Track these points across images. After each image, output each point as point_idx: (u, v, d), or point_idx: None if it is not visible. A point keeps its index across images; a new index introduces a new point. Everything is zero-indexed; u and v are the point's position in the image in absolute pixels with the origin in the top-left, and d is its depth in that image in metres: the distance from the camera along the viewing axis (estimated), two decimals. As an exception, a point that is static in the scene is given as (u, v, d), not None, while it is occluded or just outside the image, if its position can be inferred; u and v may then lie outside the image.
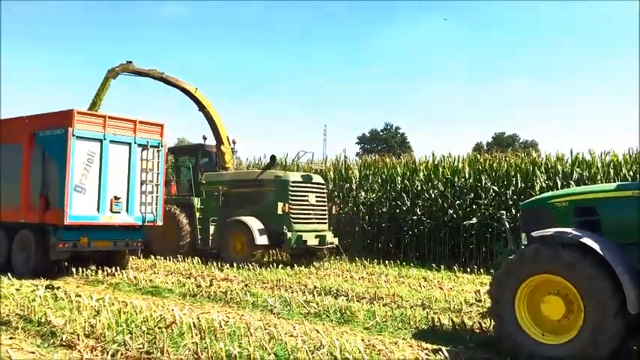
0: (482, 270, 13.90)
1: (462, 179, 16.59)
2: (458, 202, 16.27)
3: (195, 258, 14.35)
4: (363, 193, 18.20)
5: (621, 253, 5.54)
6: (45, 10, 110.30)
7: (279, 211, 14.16)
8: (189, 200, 15.80)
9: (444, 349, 5.80)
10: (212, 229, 15.27)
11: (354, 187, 18.51)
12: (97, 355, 5.68)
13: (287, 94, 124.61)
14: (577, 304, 5.50)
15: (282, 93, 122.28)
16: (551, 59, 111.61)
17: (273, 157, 16.32)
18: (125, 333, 6.10)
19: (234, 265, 13.43)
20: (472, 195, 16.16)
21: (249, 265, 13.23)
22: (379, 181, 18.28)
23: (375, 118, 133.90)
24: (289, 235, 14.04)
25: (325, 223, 15.35)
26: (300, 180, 15.04)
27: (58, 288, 9.44)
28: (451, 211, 16.20)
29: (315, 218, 14.98)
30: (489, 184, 16.09)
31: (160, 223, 13.04)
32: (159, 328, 6.26)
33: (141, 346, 5.78)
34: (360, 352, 5.33)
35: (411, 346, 6.39)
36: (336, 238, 15.45)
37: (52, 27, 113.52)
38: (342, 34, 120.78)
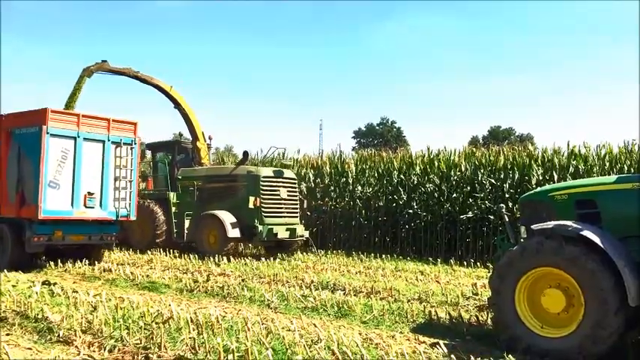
0: (478, 263, 13.93)
1: (459, 173, 16.60)
2: (454, 195, 16.29)
3: (192, 254, 14.37)
4: (359, 188, 18.19)
5: (621, 246, 5.54)
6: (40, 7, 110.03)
7: (251, 205, 14.57)
8: (165, 195, 16.28)
9: (441, 342, 5.80)
10: (187, 222, 15.73)
11: (350, 182, 18.50)
12: (94, 351, 5.66)
13: (283, 89, 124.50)
14: (577, 298, 5.50)
15: (278, 87, 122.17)
16: (546, 53, 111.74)
17: (245, 153, 16.68)
18: (122, 328, 6.09)
19: (231, 259, 13.52)
20: (468, 188, 16.18)
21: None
22: (375, 175, 18.27)
23: (372, 113, 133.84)
24: (260, 228, 14.46)
25: (296, 216, 15.73)
26: (272, 175, 15.36)
27: (55, 284, 9.40)
28: (447, 205, 16.21)
29: (287, 212, 15.37)
30: (486, 177, 16.10)
31: (133, 218, 13.33)
32: (156, 323, 6.24)
33: (138, 341, 5.76)
34: (357, 345, 5.33)
35: (409, 340, 6.39)
36: (307, 231, 15.93)
37: (48, 24, 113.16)
38: (339, 28, 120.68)
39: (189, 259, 13.70)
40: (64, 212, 11.94)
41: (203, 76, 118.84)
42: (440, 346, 5.60)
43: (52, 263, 12.15)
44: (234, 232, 14.55)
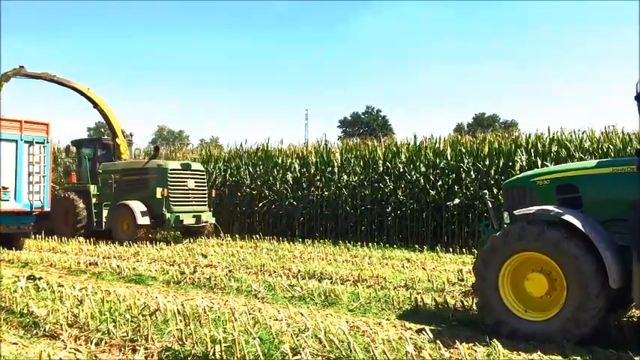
0: (464, 250, 14.03)
1: (444, 160, 16.67)
2: (440, 183, 16.37)
3: (179, 245, 14.43)
4: (345, 176, 18.21)
5: (602, 229, 5.61)
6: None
7: (159, 195, 16.14)
8: (86, 187, 17.66)
9: (427, 328, 5.85)
10: (105, 212, 17.23)
11: (335, 171, 18.51)
12: (80, 345, 5.65)
13: (268, 79, 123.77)
14: (560, 281, 5.56)
15: (263, 78, 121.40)
16: (530, 39, 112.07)
17: (156, 148, 18.87)
18: (109, 321, 6.06)
19: (218, 252, 13.49)
20: (454, 176, 16.26)
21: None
22: (361, 164, 18.29)
23: (357, 102, 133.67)
24: (168, 215, 16.10)
25: (204, 205, 17.29)
26: (179, 168, 16.96)
27: (40, 279, 9.33)
28: (433, 192, 16.30)
29: (195, 201, 17.00)
30: (471, 164, 16.19)
31: (47, 208, 14.96)
32: (143, 315, 6.23)
33: (125, 334, 5.76)
34: (344, 333, 5.37)
35: (395, 327, 6.45)
36: (214, 218, 17.49)
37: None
38: (324, 18, 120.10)
39: (176, 251, 13.68)
40: None
41: (190, 69, 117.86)
42: (426, 332, 5.66)
43: (37, 258, 12.07)
44: (143, 220, 16.07)
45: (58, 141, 23.92)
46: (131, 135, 19.44)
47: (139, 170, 17.10)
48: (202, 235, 17.32)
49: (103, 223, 17.09)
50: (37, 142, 14.55)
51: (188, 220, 16.47)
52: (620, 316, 6.67)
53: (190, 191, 16.87)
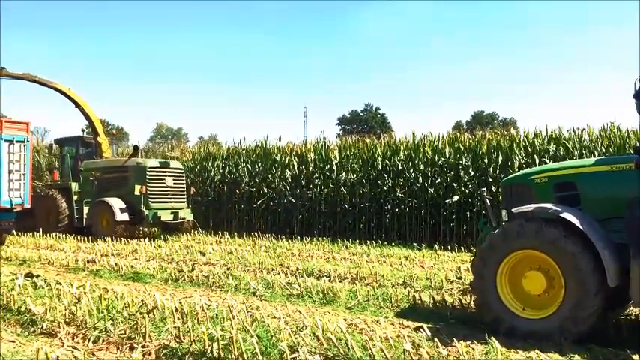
0: (462, 248, 14.03)
1: (443, 158, 16.66)
2: (438, 181, 16.37)
3: (179, 243, 14.41)
4: (343, 174, 18.20)
5: (600, 227, 5.61)
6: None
7: (137, 193, 16.49)
8: (68, 185, 17.98)
9: (425, 325, 5.85)
10: (86, 209, 17.56)
11: (334, 169, 18.50)
12: (78, 342, 5.65)
13: (266, 76, 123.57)
14: (558, 279, 5.56)
15: (262, 74, 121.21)
16: (530, 37, 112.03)
17: (136, 147, 19.50)
18: (106, 319, 6.06)
19: (216, 249, 13.51)
20: (452, 173, 16.26)
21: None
22: (360, 161, 18.26)
23: (356, 99, 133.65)
24: (147, 212, 16.45)
25: (183, 202, 17.69)
26: (158, 166, 17.36)
27: (38, 276, 9.32)
28: (432, 190, 16.30)
29: (173, 198, 17.38)
30: (470, 162, 16.18)
31: (27, 205, 15.49)
32: (140, 313, 6.23)
33: (122, 331, 5.75)
34: (342, 331, 5.37)
35: (393, 324, 6.45)
36: (192, 215, 17.86)
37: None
38: (323, 15, 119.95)
39: (174, 248, 13.67)
40: None
41: (188, 67, 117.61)
42: (424, 330, 5.65)
43: (35, 256, 12.09)
44: (122, 216, 16.46)
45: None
46: (113, 134, 20.85)
47: (119, 168, 17.47)
48: (180, 231, 17.68)
49: (84, 220, 17.45)
50: (17, 141, 15.03)
51: (166, 216, 16.82)
52: (618, 314, 6.68)
53: (169, 189, 17.27)
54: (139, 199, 16.48)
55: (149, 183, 16.72)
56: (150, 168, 16.98)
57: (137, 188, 16.51)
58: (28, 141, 15.39)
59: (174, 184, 17.45)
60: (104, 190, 17.31)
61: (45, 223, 17.42)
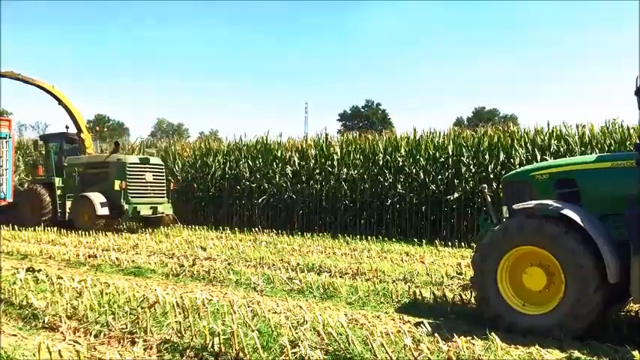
0: (463, 244, 14.05)
1: (444, 154, 16.66)
2: (439, 177, 16.37)
3: (180, 238, 14.41)
4: (344, 170, 18.20)
5: (601, 224, 5.61)
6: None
7: (117, 188, 16.98)
8: (51, 180, 18.35)
9: (425, 321, 5.86)
10: (69, 203, 18.00)
11: (335, 164, 18.50)
12: (79, 337, 5.65)
13: (267, 71, 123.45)
14: (558, 276, 5.56)
15: (263, 70, 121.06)
16: (530, 34, 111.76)
17: (117, 143, 20.04)
18: (108, 314, 6.07)
19: (217, 244, 13.54)
20: (454, 170, 16.26)
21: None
22: (361, 157, 18.27)
23: (357, 95, 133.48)
24: (126, 207, 16.98)
25: (162, 197, 18.14)
26: (138, 162, 17.85)
27: (39, 271, 9.35)
28: (433, 186, 16.30)
29: (153, 193, 17.83)
30: (471, 158, 16.17)
31: (10, 199, 16.65)
32: (142, 308, 6.23)
33: (124, 326, 5.76)
34: (342, 326, 5.37)
35: (393, 320, 6.46)
36: (172, 209, 18.22)
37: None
38: (325, 11, 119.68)
39: (175, 243, 13.69)
40: None
41: (189, 62, 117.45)
42: (424, 325, 5.67)
43: (37, 251, 12.14)
44: (102, 211, 16.93)
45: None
46: (97, 130, 21.50)
47: (101, 164, 17.90)
48: (160, 225, 18.06)
49: (67, 214, 17.87)
50: None
51: (145, 211, 17.30)
52: (618, 311, 6.69)
53: (148, 184, 17.70)
54: (118, 194, 16.93)
55: (129, 178, 17.18)
56: (130, 164, 17.45)
57: (117, 183, 16.97)
58: (10, 137, 16.07)
59: (153, 179, 17.92)
60: (86, 186, 17.75)
61: (29, 217, 17.83)
